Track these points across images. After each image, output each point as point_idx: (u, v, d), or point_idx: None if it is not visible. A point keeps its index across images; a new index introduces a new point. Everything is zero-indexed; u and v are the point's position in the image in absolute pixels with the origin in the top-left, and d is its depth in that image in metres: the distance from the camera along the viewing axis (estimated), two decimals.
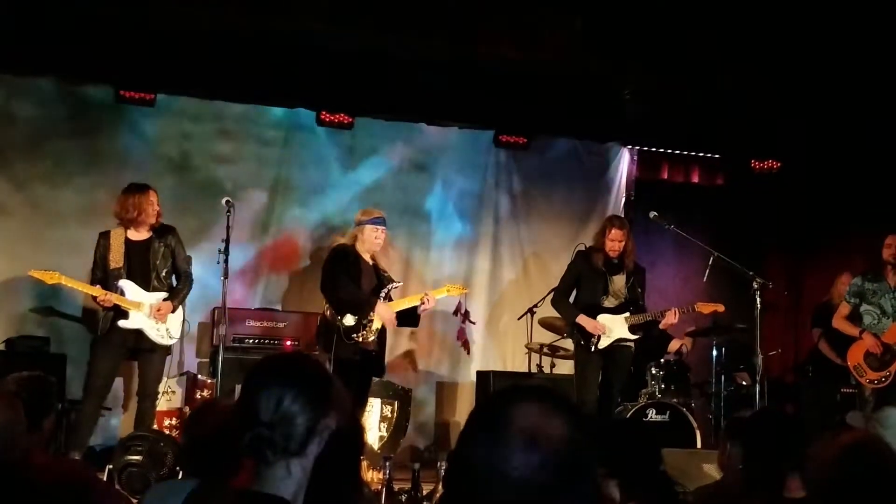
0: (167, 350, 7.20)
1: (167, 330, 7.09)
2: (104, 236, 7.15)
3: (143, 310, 7.00)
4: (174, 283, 7.27)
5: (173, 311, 7.12)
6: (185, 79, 8.48)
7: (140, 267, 7.09)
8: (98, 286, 6.97)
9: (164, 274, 7.15)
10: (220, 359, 7.04)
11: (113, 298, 6.91)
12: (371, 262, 7.29)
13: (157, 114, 8.63)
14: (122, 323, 6.95)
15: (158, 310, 7.02)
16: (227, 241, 7.18)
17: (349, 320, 6.99)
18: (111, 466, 5.77)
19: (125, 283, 7.02)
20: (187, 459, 3.40)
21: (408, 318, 7.40)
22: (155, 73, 8.34)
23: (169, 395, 7.62)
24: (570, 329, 7.82)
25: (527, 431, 1.49)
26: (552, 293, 8.04)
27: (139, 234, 7.14)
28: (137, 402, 7.16)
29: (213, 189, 8.55)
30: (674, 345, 7.61)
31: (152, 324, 7.02)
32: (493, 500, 1.48)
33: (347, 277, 7.10)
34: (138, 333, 7.01)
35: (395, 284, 7.30)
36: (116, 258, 7.04)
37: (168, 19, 7.65)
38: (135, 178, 7.50)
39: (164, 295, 7.11)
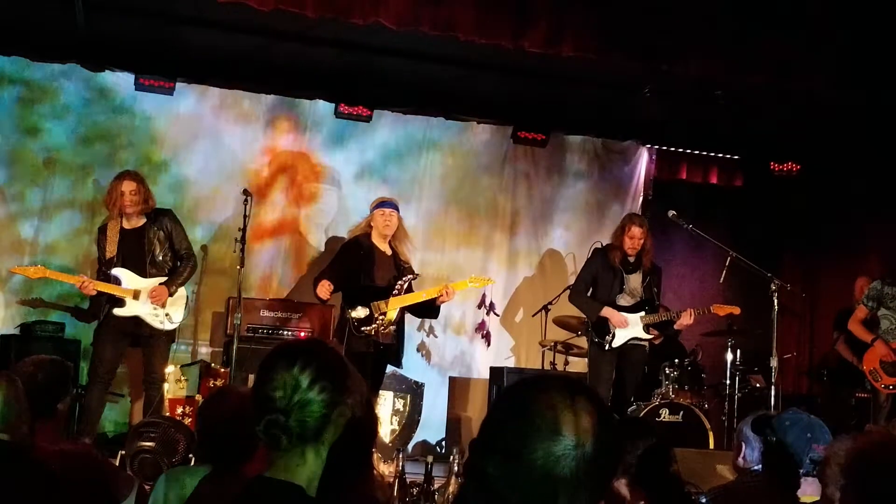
0: (169, 335, 7.17)
1: (167, 315, 7.05)
2: (101, 230, 7.19)
3: (139, 297, 6.97)
4: (177, 265, 7.22)
5: (171, 295, 7.08)
6: (204, 67, 8.51)
7: (134, 254, 7.06)
8: (101, 279, 6.98)
9: (160, 259, 7.12)
10: (234, 348, 7.05)
11: (98, 286, 6.92)
12: (390, 253, 7.25)
13: (176, 101, 8.64)
14: (117, 311, 6.94)
15: (153, 293, 7.00)
16: (243, 231, 7.19)
17: (359, 312, 6.95)
18: (123, 452, 5.77)
19: (120, 272, 7.01)
20: (200, 445, 3.40)
21: (427, 310, 7.37)
22: (174, 61, 8.36)
23: (182, 384, 7.61)
24: (585, 326, 7.79)
25: (553, 422, 1.48)
26: (567, 291, 8.01)
27: (132, 223, 7.12)
28: (144, 388, 7.16)
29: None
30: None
31: (150, 309, 6.99)
32: (513, 488, 1.47)
33: (351, 270, 7.05)
34: (137, 320, 6.99)
35: (412, 276, 7.25)
36: (111, 248, 7.04)
37: (189, 7, 7.63)
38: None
39: (161, 280, 7.08)
